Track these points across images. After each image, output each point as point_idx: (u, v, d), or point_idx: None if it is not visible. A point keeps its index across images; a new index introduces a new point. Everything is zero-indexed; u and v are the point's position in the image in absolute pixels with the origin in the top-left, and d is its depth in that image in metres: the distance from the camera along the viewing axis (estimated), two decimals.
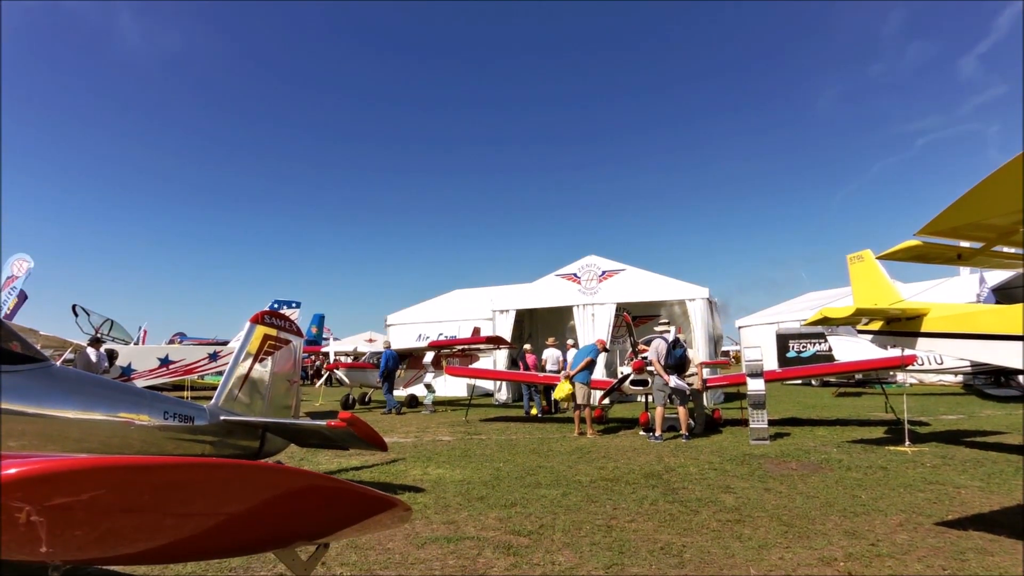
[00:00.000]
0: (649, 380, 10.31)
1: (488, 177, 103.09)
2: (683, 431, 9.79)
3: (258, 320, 7.47)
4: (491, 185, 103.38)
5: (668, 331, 10.04)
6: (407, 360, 18.56)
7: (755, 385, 9.60)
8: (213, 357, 15.87)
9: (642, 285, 16.70)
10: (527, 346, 15.87)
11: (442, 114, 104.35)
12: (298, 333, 8.35)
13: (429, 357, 16.84)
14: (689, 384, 10.09)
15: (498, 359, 18.51)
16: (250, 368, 7.33)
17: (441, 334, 21.95)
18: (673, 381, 9.58)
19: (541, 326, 20.46)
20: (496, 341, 15.56)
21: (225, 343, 21.08)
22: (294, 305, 18.59)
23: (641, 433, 10.66)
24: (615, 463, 8.03)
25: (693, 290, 16.17)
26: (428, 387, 16.60)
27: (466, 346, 16.19)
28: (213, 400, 6.96)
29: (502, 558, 4.36)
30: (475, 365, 18.54)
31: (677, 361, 9.73)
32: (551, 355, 14.98)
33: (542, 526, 5.13)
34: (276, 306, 18.39)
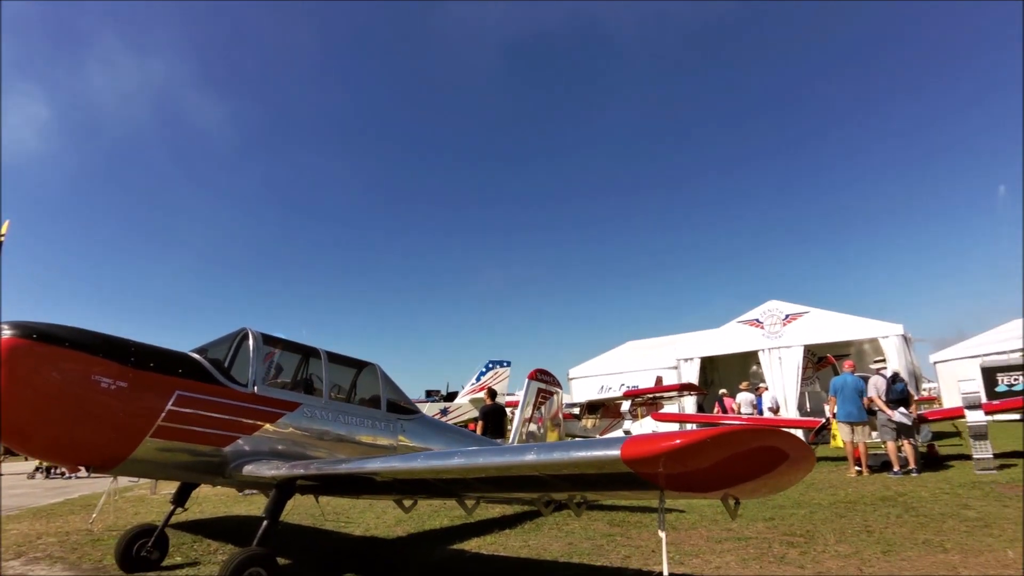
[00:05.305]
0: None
1: (648, 230, 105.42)
2: (912, 465, 9.95)
3: (533, 377, 9.88)
4: (656, 238, 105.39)
5: (885, 367, 10.57)
6: (600, 410, 20.43)
7: (975, 416, 9.97)
8: (444, 412, 19.00)
9: (829, 326, 17.07)
10: (723, 391, 16.90)
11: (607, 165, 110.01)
12: (558, 385, 10.66)
13: (626, 406, 18.51)
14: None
15: (685, 405, 19.65)
16: (531, 415, 9.69)
17: (623, 384, 23.52)
18: (897, 415, 9.97)
19: (724, 372, 21.26)
20: (689, 388, 16.86)
21: (438, 399, 24.48)
22: (506, 364, 21.45)
23: (856, 469, 11.01)
24: (845, 491, 9.03)
25: (885, 327, 16.22)
26: (627, 433, 18.19)
27: (660, 394, 17.65)
28: (510, 440, 9.39)
29: (789, 550, 5.87)
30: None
31: (899, 395, 10.11)
32: (745, 399, 15.91)
33: (809, 531, 6.53)
34: (491, 366, 21.41)
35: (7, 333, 4.23)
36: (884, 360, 10.95)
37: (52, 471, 19.53)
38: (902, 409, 10.02)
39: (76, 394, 4.46)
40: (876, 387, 10.29)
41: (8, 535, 8.09)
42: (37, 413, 4.34)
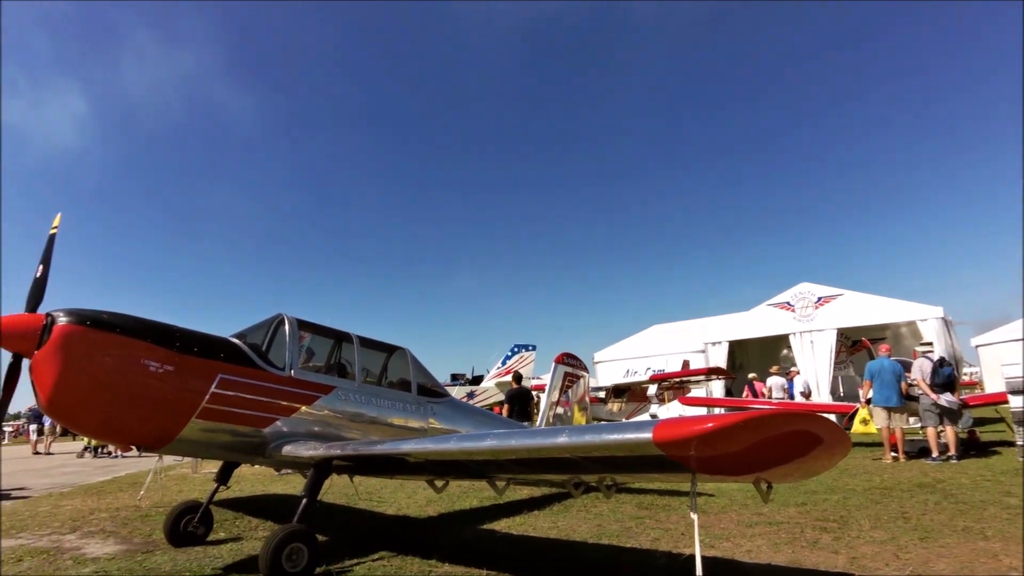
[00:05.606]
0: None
1: (670, 213, 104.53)
2: (952, 452, 9.75)
3: (560, 361, 9.92)
4: (674, 224, 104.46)
5: (931, 351, 10.30)
6: (626, 394, 20.41)
7: (1019, 402, 9.66)
8: (471, 396, 19.23)
9: (864, 308, 16.66)
10: (752, 375, 16.70)
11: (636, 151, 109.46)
12: (585, 369, 10.68)
13: (652, 390, 18.47)
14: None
15: (713, 390, 19.49)
16: (558, 398, 9.73)
17: (649, 368, 23.42)
18: (943, 400, 9.70)
19: (753, 356, 20.98)
20: (717, 372, 16.70)
21: (463, 383, 24.78)
22: (531, 348, 21.57)
23: (892, 455, 10.80)
24: (880, 477, 8.90)
25: (924, 310, 15.74)
26: (653, 417, 18.20)
27: (687, 378, 17.54)
28: (537, 423, 9.46)
29: (822, 535, 5.84)
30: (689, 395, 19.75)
31: (946, 380, 9.84)
32: (776, 383, 15.70)
33: (842, 517, 6.48)
34: (516, 349, 21.55)
35: (62, 320, 4.45)
36: (931, 344, 10.67)
37: (100, 450, 20.44)
38: (948, 395, 9.77)
39: (127, 378, 4.68)
40: (922, 370, 10.04)
41: (63, 511, 8.55)
42: (91, 396, 4.57)
